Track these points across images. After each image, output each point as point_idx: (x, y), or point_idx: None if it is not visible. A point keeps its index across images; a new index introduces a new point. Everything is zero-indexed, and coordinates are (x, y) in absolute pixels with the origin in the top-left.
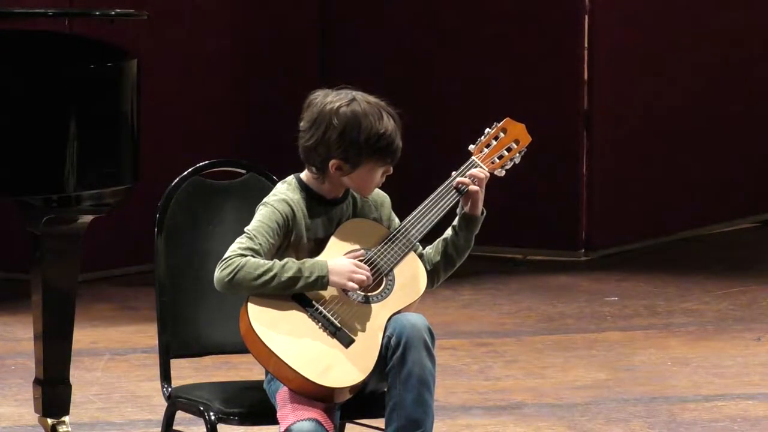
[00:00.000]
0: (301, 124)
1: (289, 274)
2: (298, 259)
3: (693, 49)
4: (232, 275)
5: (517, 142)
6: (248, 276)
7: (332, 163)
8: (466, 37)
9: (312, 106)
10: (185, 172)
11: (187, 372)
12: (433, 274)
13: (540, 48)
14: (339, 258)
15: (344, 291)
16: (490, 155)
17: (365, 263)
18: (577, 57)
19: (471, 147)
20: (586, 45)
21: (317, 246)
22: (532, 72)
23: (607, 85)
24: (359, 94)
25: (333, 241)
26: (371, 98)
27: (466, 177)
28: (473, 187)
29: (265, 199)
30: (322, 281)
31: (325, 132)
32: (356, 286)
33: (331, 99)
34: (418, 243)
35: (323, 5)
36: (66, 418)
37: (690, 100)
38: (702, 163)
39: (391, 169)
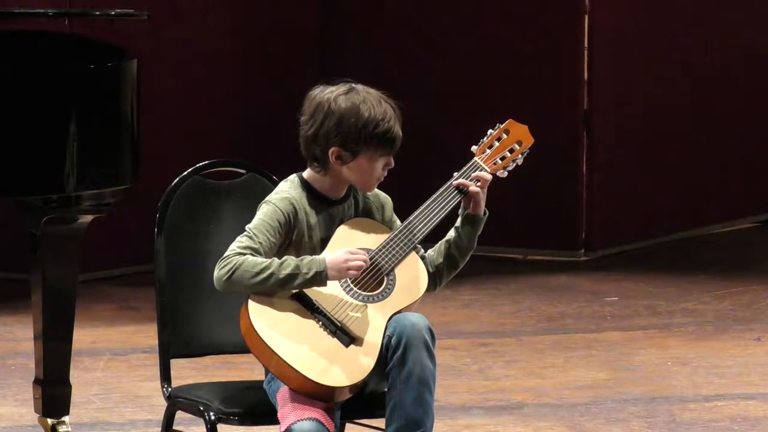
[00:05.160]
0: (302, 117)
1: (287, 271)
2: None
3: (693, 49)
4: (229, 274)
5: (519, 143)
6: (246, 274)
7: (332, 151)
8: (466, 37)
9: (311, 98)
10: (185, 172)
11: (187, 372)
12: (435, 276)
13: (540, 48)
14: (335, 252)
15: (345, 290)
16: (493, 156)
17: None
18: (577, 57)
19: (473, 148)
20: (586, 45)
21: (318, 245)
22: (532, 72)
23: (607, 85)
24: (359, 85)
25: (334, 240)
26: (371, 90)
27: (471, 179)
28: (473, 188)
29: (267, 197)
30: (321, 276)
31: (324, 120)
32: (356, 272)
33: (330, 90)
34: (420, 245)
35: (323, 5)
36: (66, 418)
37: (689, 100)
38: (701, 163)
39: (392, 161)
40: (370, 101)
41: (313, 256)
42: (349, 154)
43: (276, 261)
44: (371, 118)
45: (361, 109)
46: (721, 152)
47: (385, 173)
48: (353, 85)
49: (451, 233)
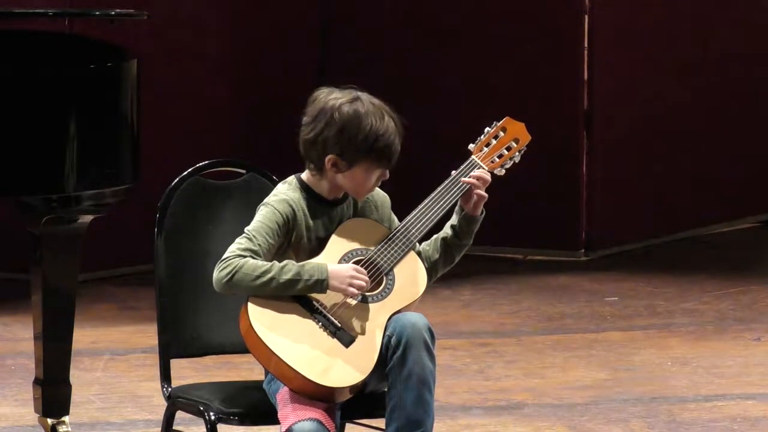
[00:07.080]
0: (304, 118)
1: (288, 276)
2: (298, 259)
3: (693, 48)
4: (230, 276)
5: (516, 140)
6: (246, 277)
7: (329, 158)
8: (467, 37)
9: (316, 101)
10: (185, 172)
11: (187, 372)
12: (431, 271)
13: (540, 48)
14: (340, 264)
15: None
16: (490, 154)
17: (365, 263)
18: (577, 57)
19: (471, 146)
20: (586, 45)
21: (317, 246)
22: (532, 72)
23: (607, 85)
24: (364, 95)
25: (333, 240)
26: (375, 100)
27: (471, 178)
28: (479, 192)
29: (265, 200)
30: (321, 285)
31: (325, 127)
32: (356, 292)
33: (335, 96)
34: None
35: (323, 5)
36: (66, 418)
37: (690, 100)
38: (702, 163)
39: (388, 173)
40: (373, 114)
41: (316, 263)
42: (346, 164)
43: (277, 265)
44: (372, 132)
45: (363, 121)
46: (721, 152)
47: (378, 183)
48: (359, 93)
49: (448, 230)
